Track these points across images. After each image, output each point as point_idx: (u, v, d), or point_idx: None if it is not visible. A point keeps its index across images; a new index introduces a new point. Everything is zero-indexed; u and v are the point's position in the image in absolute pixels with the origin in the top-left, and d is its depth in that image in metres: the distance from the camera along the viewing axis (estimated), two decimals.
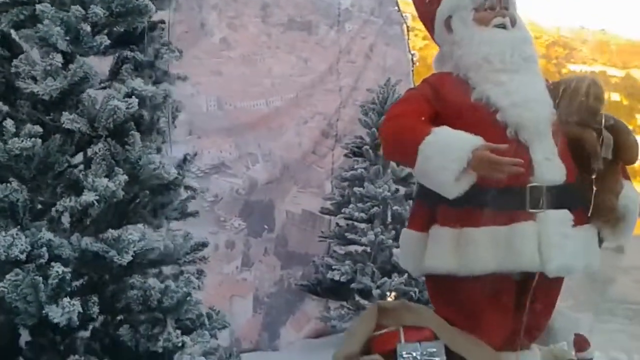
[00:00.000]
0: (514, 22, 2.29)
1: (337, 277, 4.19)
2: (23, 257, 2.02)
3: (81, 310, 1.96)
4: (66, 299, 1.94)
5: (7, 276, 1.97)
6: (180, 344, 2.19)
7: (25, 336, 2.30)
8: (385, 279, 4.08)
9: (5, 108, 2.32)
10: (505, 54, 2.19)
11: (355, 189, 4.28)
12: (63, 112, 2.21)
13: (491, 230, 2.09)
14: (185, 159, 2.58)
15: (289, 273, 4.79)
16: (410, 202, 4.15)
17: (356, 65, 5.03)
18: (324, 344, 4.42)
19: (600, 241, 2.35)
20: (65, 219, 2.34)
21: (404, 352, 2.14)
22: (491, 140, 2.01)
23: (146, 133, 2.38)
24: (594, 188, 2.18)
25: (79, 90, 2.26)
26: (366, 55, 5.08)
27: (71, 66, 2.24)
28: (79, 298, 1.98)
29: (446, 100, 2.19)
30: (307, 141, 4.81)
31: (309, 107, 4.80)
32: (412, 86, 4.55)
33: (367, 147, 4.38)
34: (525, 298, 2.22)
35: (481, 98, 2.16)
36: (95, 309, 2.05)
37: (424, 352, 2.13)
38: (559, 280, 2.35)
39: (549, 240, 2.10)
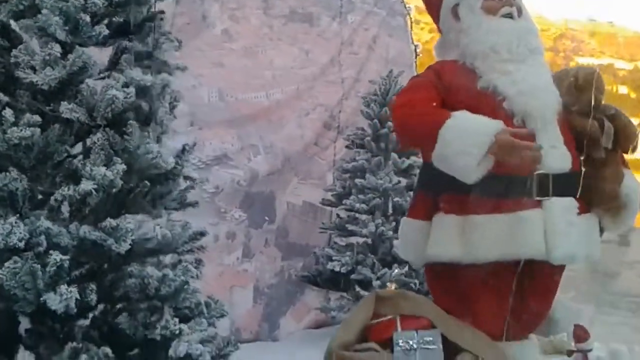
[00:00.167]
0: (520, 12, 2.29)
1: (337, 268, 4.21)
2: (22, 245, 2.04)
3: (79, 298, 1.97)
4: (64, 286, 1.96)
5: (6, 264, 1.99)
6: (177, 332, 2.21)
7: (25, 324, 2.33)
8: (386, 270, 4.09)
9: (5, 98, 2.33)
10: (512, 44, 2.19)
11: (357, 180, 4.29)
12: (62, 102, 2.22)
13: (497, 217, 2.09)
14: (184, 149, 2.59)
15: (290, 264, 4.81)
16: (412, 193, 4.15)
17: (359, 57, 5.02)
18: (324, 334, 4.44)
19: (601, 231, 2.36)
20: (65, 208, 2.36)
21: (400, 341, 2.14)
22: None
23: (145, 123, 2.39)
24: (596, 176, 2.19)
25: (78, 80, 2.27)
26: (369, 47, 5.07)
27: (70, 56, 2.25)
28: (76, 285, 1.99)
29: (451, 87, 2.19)
30: (308, 133, 4.81)
31: (310, 99, 4.80)
32: None
33: (369, 138, 4.39)
34: (525, 288, 2.23)
35: (488, 87, 2.16)
36: (93, 297, 2.07)
37: (421, 341, 2.13)
38: (559, 270, 2.36)
39: (555, 228, 2.11)
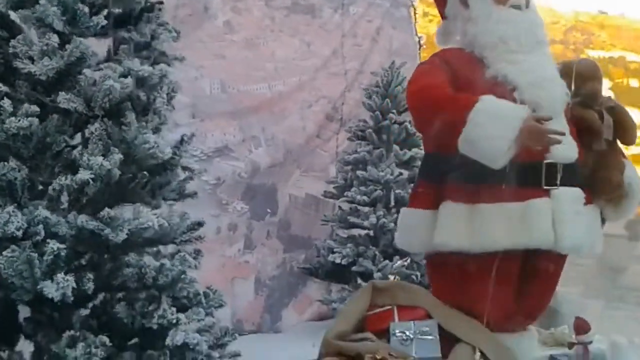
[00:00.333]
0: (527, 3, 2.28)
1: (338, 260, 4.21)
2: (19, 233, 2.05)
3: (75, 286, 1.98)
4: (60, 275, 1.97)
5: (4, 253, 2.00)
6: (174, 321, 2.22)
7: (25, 313, 2.35)
8: (387, 262, 4.09)
9: (4, 88, 2.35)
10: (521, 35, 2.18)
11: (358, 172, 4.28)
12: (60, 92, 2.22)
13: (506, 206, 2.07)
14: (182, 140, 2.59)
15: (292, 256, 4.82)
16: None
17: (362, 49, 4.99)
18: (326, 326, 4.44)
19: (602, 222, 2.37)
20: (65, 198, 2.37)
21: (396, 331, 2.14)
22: None
23: (143, 113, 2.40)
24: (597, 167, 2.21)
25: (76, 71, 2.28)
26: (372, 39, 5.04)
27: (68, 46, 2.25)
28: (73, 274, 2.01)
29: (459, 75, 2.17)
30: (311, 125, 4.80)
31: (313, 90, 4.79)
32: None
33: (371, 130, 4.37)
34: (527, 279, 2.23)
35: (497, 76, 2.15)
36: (90, 285, 2.08)
37: (417, 331, 2.12)
38: (561, 262, 2.35)
39: (564, 217, 2.11)
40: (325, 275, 4.65)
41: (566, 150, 2.13)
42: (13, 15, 2.43)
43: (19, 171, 2.22)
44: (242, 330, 4.53)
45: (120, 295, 2.29)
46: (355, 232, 4.55)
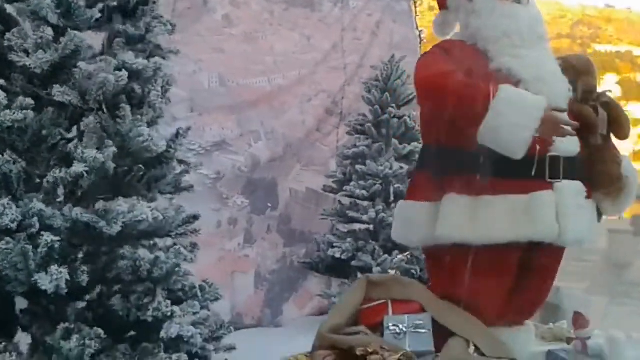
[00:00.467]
0: None
1: (338, 255, 4.21)
2: (14, 226, 2.06)
3: (69, 278, 1.99)
4: (54, 267, 1.98)
5: None
6: (169, 314, 2.22)
7: (23, 305, 2.36)
8: (386, 256, 4.08)
9: (0, 81, 2.35)
10: (524, 30, 2.19)
11: (357, 166, 4.27)
12: (55, 85, 2.22)
13: (510, 198, 2.08)
14: (177, 134, 2.59)
15: (292, 251, 4.82)
16: None
17: (362, 43, 4.98)
18: None
19: (599, 215, 2.37)
20: (61, 191, 2.38)
21: (390, 324, 2.14)
22: None
23: (138, 106, 2.40)
24: (595, 160, 2.23)
25: (71, 64, 2.28)
26: (372, 33, 5.02)
27: (62, 39, 2.25)
28: (67, 267, 2.01)
29: (463, 67, 2.17)
30: (311, 119, 4.79)
31: (313, 84, 4.78)
32: None
33: (370, 124, 4.36)
34: (526, 273, 2.22)
35: (501, 69, 2.15)
36: (85, 278, 2.09)
37: (411, 325, 2.12)
38: (560, 256, 2.36)
39: (567, 210, 2.12)
40: (325, 270, 4.65)
41: (568, 144, 2.15)
42: (9, 8, 2.44)
43: (14, 164, 2.22)
44: (242, 324, 4.55)
45: (115, 288, 2.29)
46: (357, 227, 4.55)
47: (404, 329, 2.12)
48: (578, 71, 2.22)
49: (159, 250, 2.48)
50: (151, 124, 2.52)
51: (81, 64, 2.21)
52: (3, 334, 2.32)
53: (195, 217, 2.52)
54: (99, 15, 2.33)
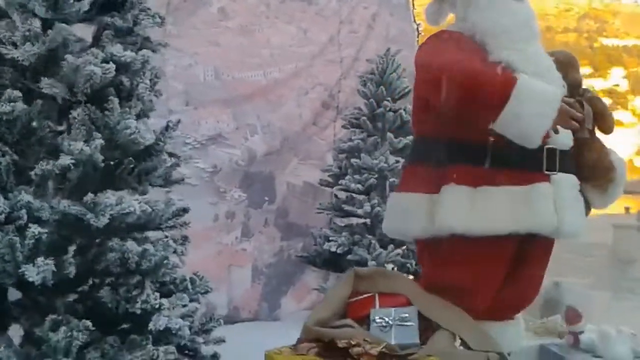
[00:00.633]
0: None
1: (334, 249, 4.21)
2: (2, 218, 2.07)
3: (55, 270, 2.00)
4: (40, 259, 1.99)
5: None
6: (157, 306, 2.23)
7: (16, 297, 2.37)
8: (381, 250, 4.09)
9: None
10: (521, 26, 2.21)
11: (353, 160, 4.27)
12: (43, 78, 2.23)
13: (510, 189, 2.09)
14: (167, 127, 2.59)
15: (289, 244, 4.83)
16: None
17: (358, 36, 4.96)
18: None
19: (587, 208, 2.38)
20: (52, 184, 2.39)
21: (376, 317, 2.15)
22: None
23: (126, 99, 2.40)
24: (584, 153, 2.28)
25: (59, 56, 2.28)
26: (368, 26, 5.00)
27: (50, 32, 2.25)
28: (54, 258, 2.02)
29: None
30: (307, 113, 4.79)
31: (309, 78, 4.77)
32: None
33: (365, 118, 4.35)
34: (518, 266, 2.23)
35: (500, 62, 2.14)
36: (72, 270, 2.10)
37: (397, 318, 2.13)
38: (551, 249, 2.37)
39: (564, 202, 2.14)
40: (322, 264, 4.66)
41: (563, 137, 2.18)
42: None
43: (4, 156, 2.23)
44: (239, 318, 4.57)
45: (104, 280, 2.30)
46: (354, 221, 4.55)
47: (390, 322, 2.13)
48: (565, 66, 2.26)
49: (150, 243, 2.49)
50: (141, 116, 2.52)
51: (68, 56, 2.21)
52: None
53: (185, 210, 2.52)
54: (87, 7, 2.32)
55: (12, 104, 2.20)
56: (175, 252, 2.48)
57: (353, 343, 1.83)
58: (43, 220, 2.16)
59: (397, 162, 4.30)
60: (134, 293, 2.26)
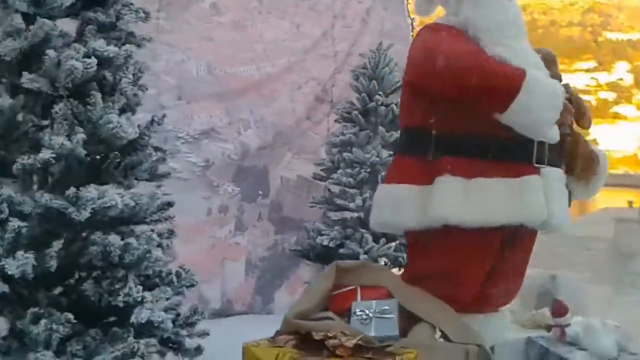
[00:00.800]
0: None
1: (325, 243, 4.22)
2: None
3: (35, 264, 2.02)
4: (20, 252, 2.00)
5: None
6: (140, 299, 2.25)
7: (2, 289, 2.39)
8: (373, 244, 4.09)
9: None
10: (512, 23, 2.23)
11: (345, 154, 4.27)
12: (23, 73, 2.24)
13: (504, 181, 2.11)
14: (152, 121, 2.60)
15: (283, 238, 4.84)
16: None
17: (352, 30, 4.95)
18: None
19: (569, 201, 2.40)
20: (36, 178, 2.40)
21: (357, 310, 2.16)
22: None
23: (110, 94, 2.41)
24: (568, 147, 2.30)
25: (41, 51, 2.29)
26: (363, 20, 4.99)
27: (32, 27, 2.26)
28: (33, 252, 2.04)
29: None
30: (301, 107, 4.79)
31: (302, 72, 4.77)
32: None
33: (357, 112, 4.35)
34: (504, 257, 2.24)
35: (494, 57, 2.15)
36: (53, 263, 2.11)
37: (377, 310, 2.14)
38: (533, 242, 2.38)
39: (552, 195, 2.17)
40: (315, 258, 4.67)
41: (552, 130, 2.20)
42: None
43: None
44: (232, 311, 4.60)
45: (87, 273, 2.32)
46: (348, 215, 4.55)
47: (371, 315, 2.14)
48: (548, 63, 2.28)
49: (135, 236, 2.50)
50: (126, 110, 2.54)
51: (49, 51, 2.22)
52: None
53: (170, 204, 2.54)
54: (70, 2, 2.33)
55: None
56: (160, 245, 2.49)
57: (330, 335, 1.83)
58: (25, 214, 2.18)
59: (390, 156, 4.29)
60: (117, 286, 2.28)
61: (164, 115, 2.69)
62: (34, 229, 2.18)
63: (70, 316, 2.15)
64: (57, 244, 2.25)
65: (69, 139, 2.17)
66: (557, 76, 2.29)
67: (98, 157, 2.46)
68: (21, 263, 2.00)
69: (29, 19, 2.33)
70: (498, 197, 2.10)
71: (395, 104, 4.27)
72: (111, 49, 2.34)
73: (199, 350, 2.50)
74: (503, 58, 2.13)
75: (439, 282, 2.19)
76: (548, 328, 2.92)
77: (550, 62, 2.28)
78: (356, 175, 4.20)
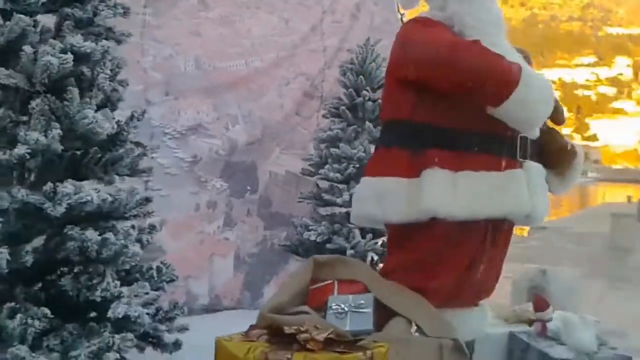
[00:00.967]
0: None
1: (313, 238, 4.23)
2: None
3: (9, 259, 2.02)
4: None
5: None
6: (117, 294, 2.26)
7: None
8: (359, 239, 4.10)
9: None
10: (495, 22, 2.25)
11: (332, 149, 4.27)
12: (0, 68, 2.25)
13: (490, 174, 2.13)
14: (132, 117, 2.61)
15: (273, 234, 4.84)
16: None
17: (342, 25, 4.94)
18: None
19: None
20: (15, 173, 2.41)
21: (334, 304, 2.17)
22: None
23: (88, 89, 2.42)
24: (546, 141, 2.32)
25: (18, 47, 2.29)
26: (352, 15, 4.98)
27: (8, 23, 2.26)
28: (8, 247, 2.05)
29: None
30: (289, 102, 4.78)
31: (291, 67, 4.76)
32: None
33: (344, 107, 4.35)
34: (485, 250, 2.25)
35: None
36: (29, 258, 2.12)
37: (353, 304, 2.15)
38: (510, 237, 2.40)
39: (535, 189, 2.20)
40: (304, 253, 4.67)
41: None
42: None
43: None
44: (220, 306, 4.61)
45: (65, 269, 2.33)
46: (337, 210, 4.55)
47: (346, 309, 2.14)
48: (526, 60, 2.30)
49: (117, 232, 2.51)
50: (107, 105, 2.54)
51: (25, 47, 2.22)
52: None
53: (148, 200, 2.54)
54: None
55: None
56: (139, 241, 2.50)
57: (302, 329, 1.84)
58: (2, 209, 2.19)
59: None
60: (95, 281, 2.29)
61: (144, 111, 2.70)
62: (12, 225, 2.19)
63: (47, 311, 2.16)
64: (38, 240, 2.25)
65: (45, 135, 2.17)
66: None
67: (78, 152, 2.46)
68: None
69: (5, 14, 2.33)
70: (484, 190, 2.12)
71: None
72: (88, 45, 2.34)
73: (177, 345, 2.51)
74: None
75: (416, 273, 2.19)
76: (530, 323, 2.94)
77: (527, 60, 2.30)
78: (343, 171, 4.20)
